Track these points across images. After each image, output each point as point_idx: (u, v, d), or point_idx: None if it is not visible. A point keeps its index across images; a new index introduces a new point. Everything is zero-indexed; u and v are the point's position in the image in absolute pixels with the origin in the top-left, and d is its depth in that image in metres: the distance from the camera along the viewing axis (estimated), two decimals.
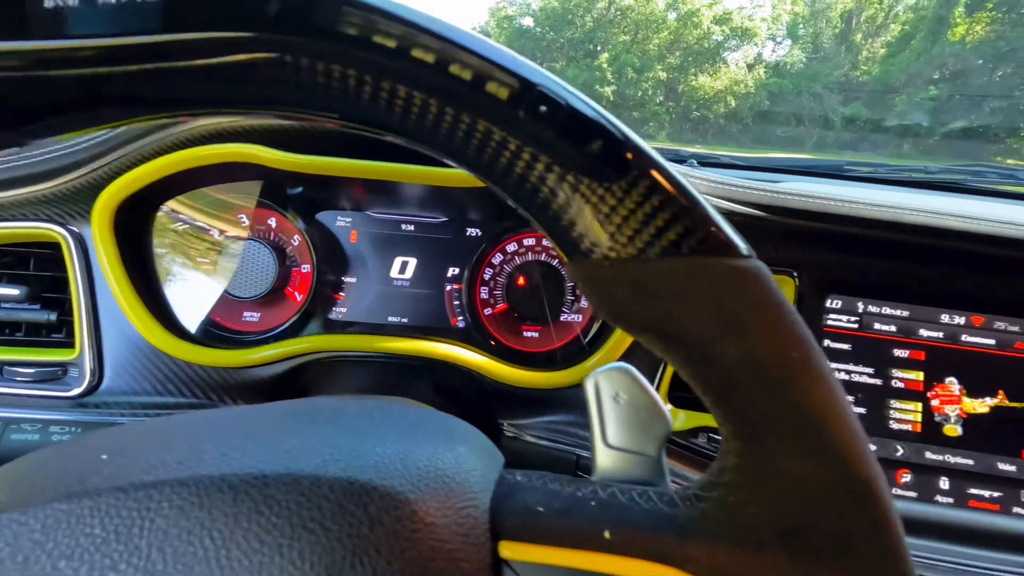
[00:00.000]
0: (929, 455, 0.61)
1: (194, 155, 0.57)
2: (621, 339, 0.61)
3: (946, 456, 0.61)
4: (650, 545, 0.25)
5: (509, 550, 0.26)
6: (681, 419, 0.62)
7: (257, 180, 0.66)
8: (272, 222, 0.67)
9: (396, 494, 0.25)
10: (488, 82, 0.21)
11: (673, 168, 0.23)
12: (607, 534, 0.26)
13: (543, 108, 0.22)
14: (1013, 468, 0.60)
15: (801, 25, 21.36)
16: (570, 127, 0.22)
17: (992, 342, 0.62)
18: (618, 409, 0.32)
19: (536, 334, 0.69)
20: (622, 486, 0.28)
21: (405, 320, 0.69)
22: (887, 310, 0.63)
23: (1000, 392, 0.61)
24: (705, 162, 1.06)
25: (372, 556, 0.23)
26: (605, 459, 0.31)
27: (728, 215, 0.59)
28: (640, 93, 20.12)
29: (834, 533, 0.23)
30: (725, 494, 0.25)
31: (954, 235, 0.59)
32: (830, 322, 0.63)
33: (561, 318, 0.69)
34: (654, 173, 0.22)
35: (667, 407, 0.62)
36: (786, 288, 0.63)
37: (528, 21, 23.77)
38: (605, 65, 19.93)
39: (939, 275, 0.62)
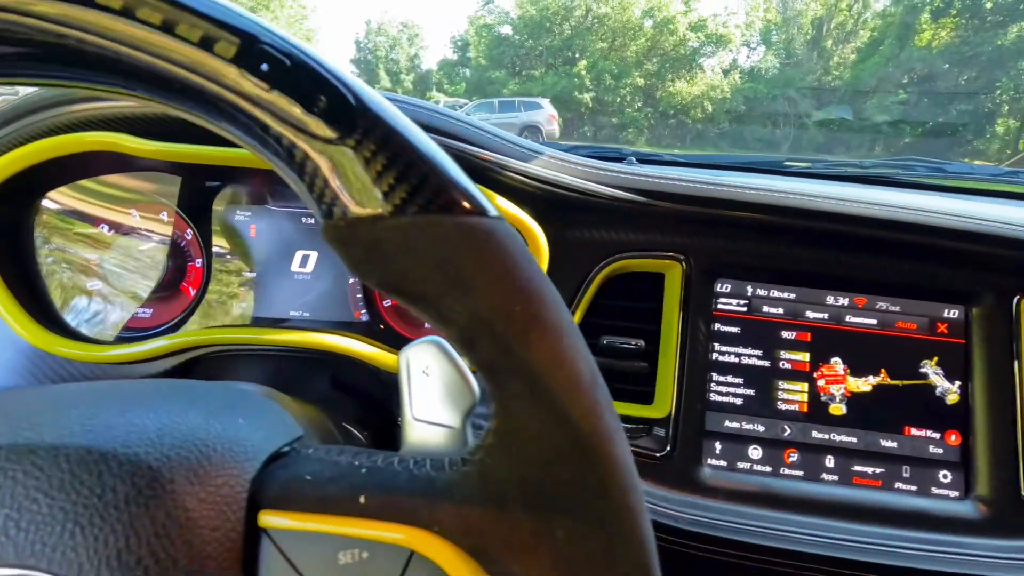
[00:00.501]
0: (815, 434, 0.62)
1: (53, 144, 0.57)
2: None
3: (831, 435, 0.62)
4: (401, 508, 0.25)
5: (268, 519, 0.26)
6: None
7: (165, 173, 0.65)
8: (164, 216, 0.66)
9: (138, 462, 0.24)
10: (216, 42, 0.21)
11: (410, 125, 0.23)
12: (362, 499, 0.26)
13: (265, 66, 0.21)
14: (894, 445, 0.61)
15: (774, 31, 21.81)
16: (293, 84, 0.22)
17: (874, 322, 0.63)
18: (426, 382, 0.32)
19: None
20: (401, 455, 0.28)
21: (307, 314, 0.69)
22: (775, 293, 0.64)
23: (882, 371, 0.63)
24: (645, 160, 1.08)
25: (96, 524, 0.23)
26: (412, 432, 0.31)
27: (612, 201, 0.60)
28: (619, 99, 20.35)
29: (566, 490, 0.24)
30: (484, 457, 0.25)
31: (829, 217, 0.61)
32: (720, 306, 0.64)
33: None
34: (384, 129, 0.22)
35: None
36: (674, 273, 0.64)
37: (507, 29, 23.93)
38: (584, 72, 20.11)
39: (824, 258, 0.63)
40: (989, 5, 16.63)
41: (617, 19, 21.28)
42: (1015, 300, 0.61)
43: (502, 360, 0.24)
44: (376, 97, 0.23)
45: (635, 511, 0.23)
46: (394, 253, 0.23)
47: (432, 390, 0.32)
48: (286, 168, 0.24)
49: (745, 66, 22.37)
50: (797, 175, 1.13)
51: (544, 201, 0.61)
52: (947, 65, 17.51)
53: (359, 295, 0.69)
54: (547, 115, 13.53)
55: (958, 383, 0.62)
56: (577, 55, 21.51)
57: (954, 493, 0.60)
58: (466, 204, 0.23)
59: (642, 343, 0.62)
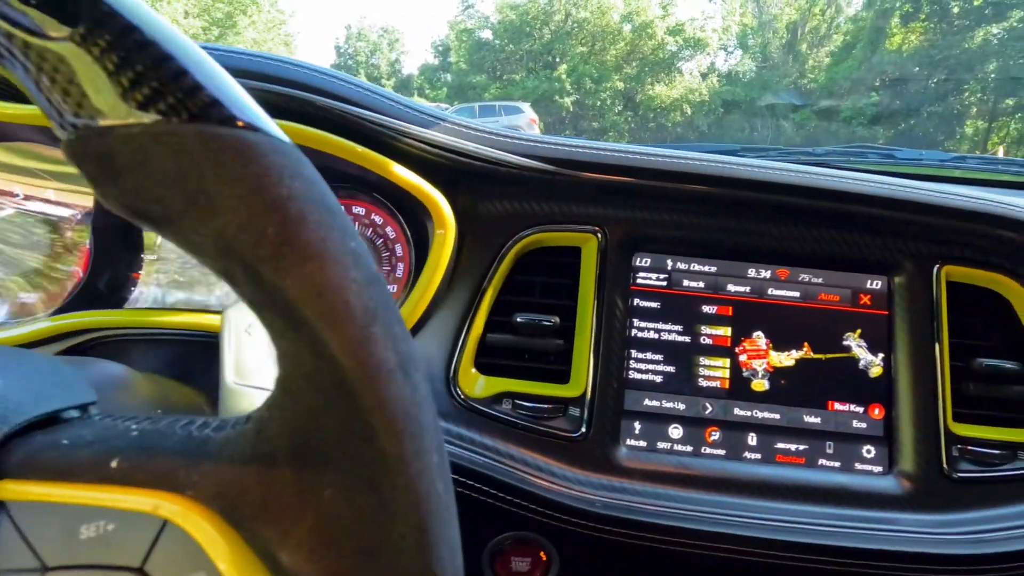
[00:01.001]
0: (737, 411, 0.60)
1: None
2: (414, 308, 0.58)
3: (753, 411, 0.60)
4: (154, 472, 0.22)
5: (7, 489, 0.22)
6: (480, 384, 0.60)
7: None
8: (51, 194, 0.62)
9: None
10: None
11: (157, 22, 0.20)
12: (114, 463, 0.22)
13: None
14: (818, 420, 0.59)
15: (750, 36, 22.17)
16: None
17: (797, 294, 0.61)
18: (248, 343, 0.29)
19: None
20: (183, 416, 0.25)
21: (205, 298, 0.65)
22: (695, 266, 0.62)
23: (805, 344, 0.61)
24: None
25: None
26: (229, 399, 0.27)
27: (521, 170, 0.57)
28: (599, 103, 20.49)
29: (334, 442, 0.20)
30: (263, 411, 0.22)
31: (746, 184, 0.59)
32: (639, 280, 0.62)
33: None
34: (120, 24, 0.19)
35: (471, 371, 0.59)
36: (590, 247, 0.61)
37: (487, 34, 24.00)
38: (564, 76, 20.23)
39: (745, 229, 0.61)
40: (956, 10, 17.09)
41: (596, 23, 21.45)
42: (935, 268, 0.60)
43: (257, 292, 0.20)
44: None
45: (412, 462, 0.20)
46: (127, 167, 0.20)
47: (254, 351, 0.29)
48: (24, 78, 0.21)
49: (723, 69, 22.69)
50: None
51: (450, 171, 0.58)
52: (917, 68, 17.94)
53: None
54: (527, 119, 13.53)
55: (881, 355, 0.60)
56: (557, 59, 21.62)
57: (877, 468, 0.58)
58: (220, 112, 0.19)
59: (557, 320, 0.60)
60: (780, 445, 0.59)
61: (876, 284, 0.61)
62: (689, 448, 0.59)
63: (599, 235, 0.61)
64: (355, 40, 29.65)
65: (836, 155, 1.15)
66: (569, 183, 0.59)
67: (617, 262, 0.61)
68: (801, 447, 0.59)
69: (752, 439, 0.59)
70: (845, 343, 0.61)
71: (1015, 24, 15.69)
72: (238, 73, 0.52)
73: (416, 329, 0.60)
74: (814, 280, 0.62)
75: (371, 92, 0.55)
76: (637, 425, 0.60)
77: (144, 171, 0.19)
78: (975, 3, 16.54)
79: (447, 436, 0.57)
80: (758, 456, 0.59)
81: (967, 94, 17.35)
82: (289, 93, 0.52)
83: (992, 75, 16.48)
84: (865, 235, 0.61)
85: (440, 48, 27.68)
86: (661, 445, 0.59)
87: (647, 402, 0.60)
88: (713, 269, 0.62)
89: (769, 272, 0.62)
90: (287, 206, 0.20)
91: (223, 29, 17.85)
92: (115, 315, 0.59)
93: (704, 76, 21.80)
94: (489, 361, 0.61)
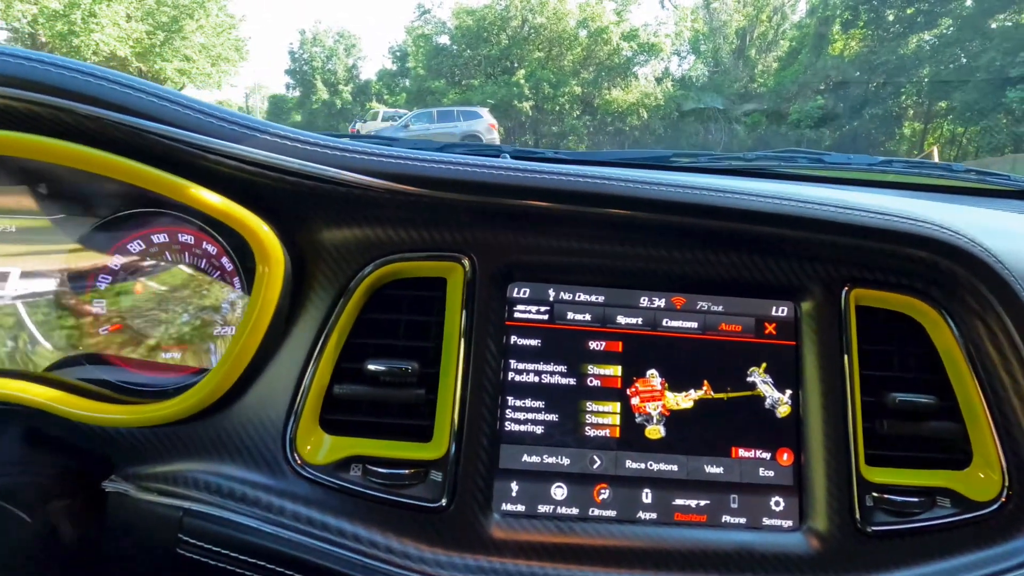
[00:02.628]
0: (630, 464, 0.52)
1: None
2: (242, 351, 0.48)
3: (648, 463, 0.52)
4: None
5: None
6: (325, 447, 0.50)
7: None
8: None
9: None
10: None
11: None
12: None
13: None
14: (720, 470, 0.52)
15: (702, 41, 22.76)
16: None
17: (695, 325, 0.54)
18: None
19: (178, 354, 0.55)
20: None
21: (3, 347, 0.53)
22: (581, 296, 0.54)
23: (704, 383, 0.53)
24: (521, 156, 0.97)
25: None
26: None
27: (365, 191, 0.48)
28: (558, 108, 20.62)
29: None
30: None
31: (635, 204, 0.51)
32: (516, 315, 0.53)
33: (214, 331, 0.55)
34: None
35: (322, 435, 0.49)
36: (456, 277, 0.52)
37: (444, 39, 23.87)
38: (522, 81, 20.29)
39: (635, 253, 0.53)
40: (891, 17, 17.98)
41: (553, 29, 21.59)
42: (843, 292, 0.53)
43: None
44: None
45: None
46: None
47: None
48: None
49: (677, 74, 23.19)
50: (682, 169, 1.06)
51: (275, 194, 0.48)
52: (858, 72, 18.78)
53: (75, 318, 0.54)
54: (486, 124, 13.37)
55: (789, 392, 0.53)
56: (515, 64, 21.64)
57: (787, 523, 0.51)
58: None
59: (417, 366, 0.50)
60: (679, 501, 0.51)
61: (782, 311, 0.54)
62: (575, 510, 0.51)
63: (466, 263, 0.52)
64: (310, 45, 28.96)
65: (766, 160, 1.11)
66: (429, 204, 0.50)
67: (488, 294, 0.52)
68: (703, 502, 0.51)
69: (647, 496, 0.51)
70: (749, 379, 0.53)
71: (945, 31, 16.62)
72: None
73: (244, 383, 0.49)
74: (713, 308, 0.54)
75: (167, 102, 0.44)
76: (514, 486, 0.51)
77: None
78: (908, 11, 17.45)
79: (279, 516, 0.47)
80: (654, 515, 0.51)
81: (904, 97, 18.26)
82: (36, 99, 0.41)
83: (926, 79, 17.39)
84: (768, 257, 0.53)
85: (398, 54, 27.34)
86: (542, 509, 0.51)
87: (526, 458, 0.51)
88: (601, 299, 0.54)
89: (663, 300, 0.54)
90: None
91: (169, 33, 17.11)
92: None
93: (659, 81, 22.23)
94: (337, 418, 0.51)
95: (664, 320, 0.54)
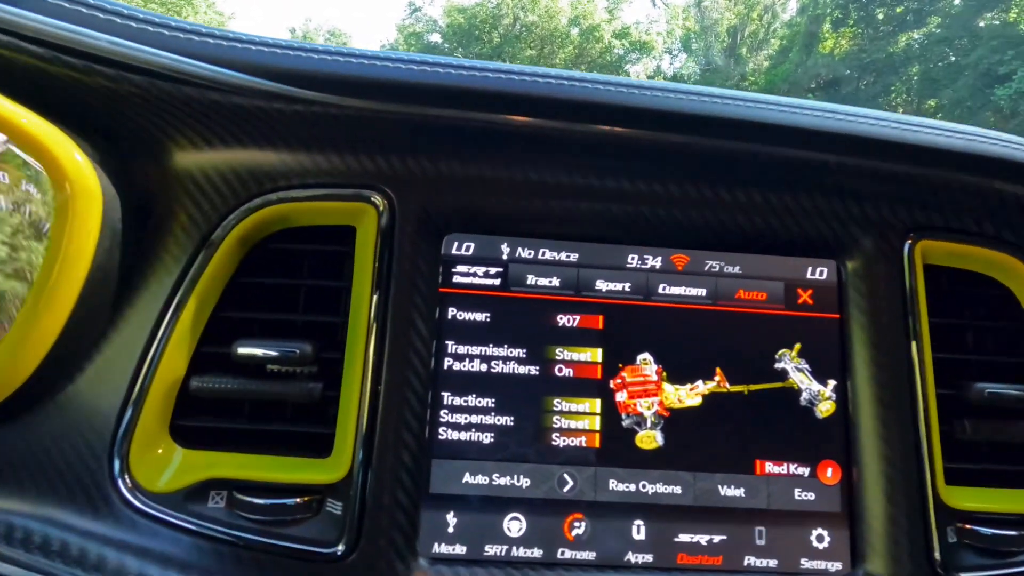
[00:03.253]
0: (615, 485, 0.37)
1: None
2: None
3: (640, 483, 0.37)
4: None
5: None
6: (174, 465, 0.34)
7: None
8: None
9: None
10: None
11: None
12: None
13: None
14: (740, 492, 0.37)
15: (693, 39, 22.77)
16: None
17: (703, 293, 0.39)
18: None
19: None
20: None
21: None
22: (547, 253, 0.39)
23: (717, 371, 0.38)
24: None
25: None
26: None
27: (232, 93, 0.32)
28: None
29: None
30: None
31: (622, 115, 0.36)
32: (455, 280, 0.38)
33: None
34: None
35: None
36: (367, 226, 0.37)
37: (436, 37, 23.70)
38: None
39: (621, 191, 0.39)
40: (880, 16, 18.04)
41: (545, 27, 21.45)
42: (906, 245, 0.39)
43: None
44: None
45: None
46: None
47: None
48: None
49: (668, 72, 23.11)
50: None
51: (92, 95, 0.32)
52: (848, 71, 18.82)
53: None
54: None
55: (832, 383, 0.38)
56: (507, 62, 21.48)
57: (835, 565, 0.36)
58: None
59: (310, 348, 0.35)
60: (684, 537, 0.36)
61: (821, 273, 0.40)
62: (538, 552, 0.36)
63: (381, 204, 0.37)
64: None
65: None
66: (328, 117, 0.35)
67: (415, 249, 0.37)
68: (717, 539, 0.36)
69: (639, 530, 0.36)
70: (778, 366, 0.39)
71: (934, 29, 16.69)
72: None
73: (50, 374, 0.34)
74: (728, 269, 0.39)
75: None
76: (451, 519, 0.36)
77: None
78: (897, 10, 17.52)
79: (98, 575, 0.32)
80: (649, 558, 0.36)
81: (894, 95, 18.32)
82: None
83: (915, 77, 17.46)
84: (802, 196, 0.39)
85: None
86: (490, 551, 0.36)
87: (468, 478, 0.36)
88: (574, 257, 0.39)
89: (660, 259, 0.39)
90: None
91: None
92: None
93: (651, 79, 22.21)
94: (192, 424, 0.36)
95: (661, 286, 0.39)
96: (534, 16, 21.62)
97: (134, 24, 0.32)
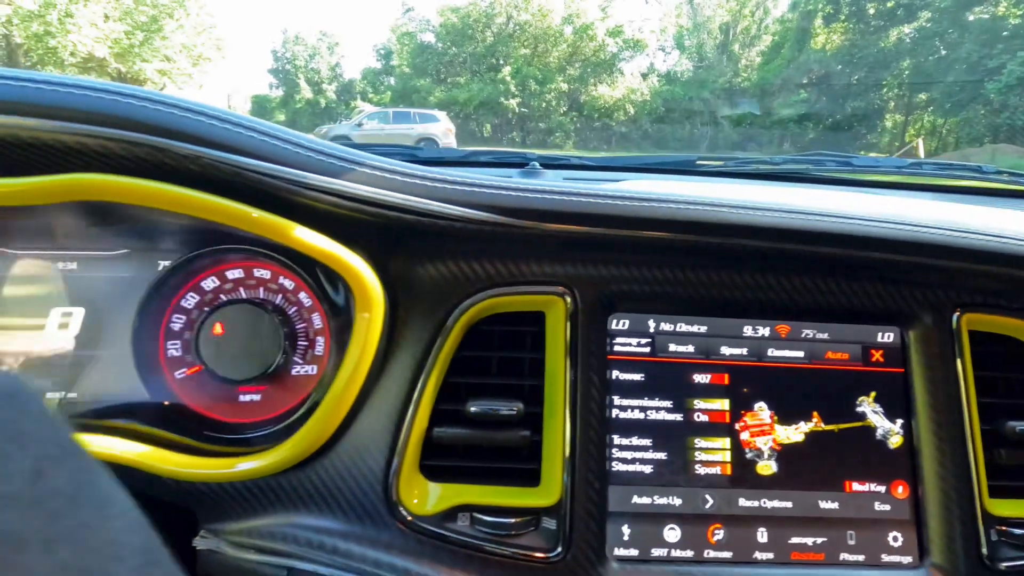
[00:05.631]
0: (743, 502, 0.49)
1: None
2: (339, 403, 0.45)
3: (762, 500, 0.50)
4: None
5: None
6: (433, 496, 0.47)
7: None
8: None
9: None
10: None
11: None
12: None
13: None
14: (835, 505, 0.50)
15: (686, 36, 22.86)
16: None
17: (801, 354, 0.52)
18: None
19: (258, 396, 0.51)
20: None
21: (72, 395, 0.49)
22: (683, 327, 0.51)
23: (814, 414, 0.51)
24: (549, 164, 0.94)
25: None
26: None
27: (465, 223, 0.45)
28: (544, 104, 20.59)
29: None
30: None
31: (738, 231, 0.48)
32: (617, 348, 0.51)
33: (293, 371, 0.52)
34: None
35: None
36: (556, 311, 0.49)
37: (429, 37, 23.68)
38: (508, 78, 20.22)
39: (737, 281, 0.51)
40: (871, 11, 18.20)
41: (538, 26, 21.53)
42: (954, 316, 0.51)
43: None
44: None
45: None
46: None
47: None
48: None
49: (662, 70, 23.27)
50: (710, 174, 1.04)
51: (372, 230, 0.45)
52: (840, 66, 18.99)
53: (148, 363, 0.50)
54: (444, 128, 12.45)
55: (900, 422, 0.51)
56: (501, 62, 21.54)
57: (907, 559, 0.49)
58: None
59: (520, 406, 0.48)
60: (795, 539, 0.49)
61: (888, 337, 0.52)
62: (690, 553, 0.48)
63: (567, 296, 0.49)
64: (292, 44, 28.53)
65: (795, 163, 1.09)
66: (526, 236, 0.47)
67: (590, 327, 0.50)
68: (819, 540, 0.49)
69: (762, 535, 0.49)
70: (859, 409, 0.51)
71: (924, 24, 16.86)
72: (44, 113, 0.37)
73: (342, 430, 0.46)
74: (819, 336, 0.52)
75: (254, 132, 0.41)
76: (626, 530, 0.48)
77: None
78: (888, 4, 17.67)
79: (388, 573, 0.44)
80: (771, 555, 0.49)
81: (885, 90, 18.52)
82: (134, 139, 0.37)
83: (906, 72, 17.65)
84: (873, 282, 0.52)
85: (382, 52, 27.06)
86: (656, 552, 0.48)
87: (636, 499, 0.49)
88: (703, 329, 0.52)
89: (768, 329, 0.52)
90: None
91: (148, 33, 16.73)
92: None
93: (644, 76, 22.29)
94: (438, 464, 0.48)
95: (769, 350, 0.52)
96: (527, 15, 21.66)
97: (407, 179, 0.44)
